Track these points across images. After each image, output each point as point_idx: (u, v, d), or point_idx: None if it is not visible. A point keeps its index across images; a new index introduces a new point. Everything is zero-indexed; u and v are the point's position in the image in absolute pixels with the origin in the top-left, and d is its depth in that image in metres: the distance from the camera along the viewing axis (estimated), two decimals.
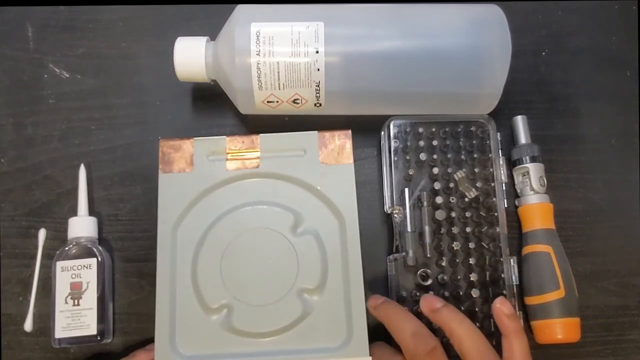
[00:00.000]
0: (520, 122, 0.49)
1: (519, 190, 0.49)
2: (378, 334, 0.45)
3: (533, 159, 0.48)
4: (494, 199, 0.47)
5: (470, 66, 0.44)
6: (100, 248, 0.46)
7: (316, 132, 0.48)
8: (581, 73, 0.53)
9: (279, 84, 0.44)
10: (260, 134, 0.48)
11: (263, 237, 0.45)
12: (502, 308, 0.39)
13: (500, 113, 0.48)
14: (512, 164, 0.49)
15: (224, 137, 0.48)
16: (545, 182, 0.48)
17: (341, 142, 0.47)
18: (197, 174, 0.47)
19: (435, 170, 0.47)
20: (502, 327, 0.39)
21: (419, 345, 0.38)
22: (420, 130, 0.48)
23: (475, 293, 0.45)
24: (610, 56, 0.53)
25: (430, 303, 0.40)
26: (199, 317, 0.44)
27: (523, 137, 0.49)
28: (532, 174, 0.47)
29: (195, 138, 0.48)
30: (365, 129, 0.49)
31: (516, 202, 0.49)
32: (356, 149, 0.50)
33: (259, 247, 0.45)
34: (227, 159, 0.47)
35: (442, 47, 0.44)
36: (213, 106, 0.51)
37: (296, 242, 0.45)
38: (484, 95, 0.46)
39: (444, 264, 0.46)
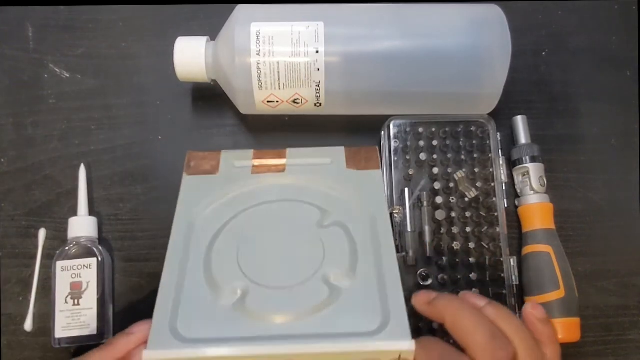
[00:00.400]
0: (520, 122, 0.49)
1: (519, 190, 0.49)
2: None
3: (533, 159, 0.48)
4: (494, 199, 0.47)
5: (470, 66, 0.44)
6: (100, 248, 0.46)
7: (343, 147, 0.47)
8: (581, 73, 0.53)
9: (279, 83, 0.44)
10: (288, 148, 0.48)
11: (287, 227, 0.42)
12: (534, 313, 0.37)
13: (500, 113, 0.48)
14: (512, 164, 0.49)
15: (251, 150, 0.48)
16: (545, 182, 0.48)
17: (368, 155, 0.47)
18: (223, 175, 0.46)
19: (435, 170, 0.47)
20: (536, 333, 0.37)
21: (499, 351, 0.33)
22: (420, 130, 0.48)
23: (475, 293, 0.45)
24: (610, 56, 0.53)
25: (473, 302, 0.37)
26: (208, 298, 0.38)
27: (523, 137, 0.49)
28: (532, 174, 0.47)
29: (223, 150, 0.48)
30: (365, 129, 0.49)
31: (516, 202, 0.49)
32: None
33: (282, 236, 0.41)
34: (253, 165, 0.47)
35: (442, 47, 0.44)
36: (213, 106, 0.51)
37: (323, 233, 0.41)
38: (484, 95, 0.46)
39: (444, 263, 0.46)
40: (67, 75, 0.52)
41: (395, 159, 0.48)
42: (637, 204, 0.50)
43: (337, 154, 0.47)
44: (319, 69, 0.44)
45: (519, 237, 0.48)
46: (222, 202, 0.44)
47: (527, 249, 0.47)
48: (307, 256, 0.39)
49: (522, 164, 0.48)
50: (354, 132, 0.49)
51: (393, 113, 0.48)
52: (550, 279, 0.45)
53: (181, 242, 0.41)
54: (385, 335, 0.34)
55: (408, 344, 0.33)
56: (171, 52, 0.46)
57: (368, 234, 0.41)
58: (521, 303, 0.46)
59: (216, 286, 0.38)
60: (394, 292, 0.37)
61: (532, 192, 0.47)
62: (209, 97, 0.51)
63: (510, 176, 0.49)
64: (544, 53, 0.53)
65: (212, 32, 0.47)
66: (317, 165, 0.46)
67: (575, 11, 0.54)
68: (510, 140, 0.50)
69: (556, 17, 0.54)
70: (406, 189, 0.47)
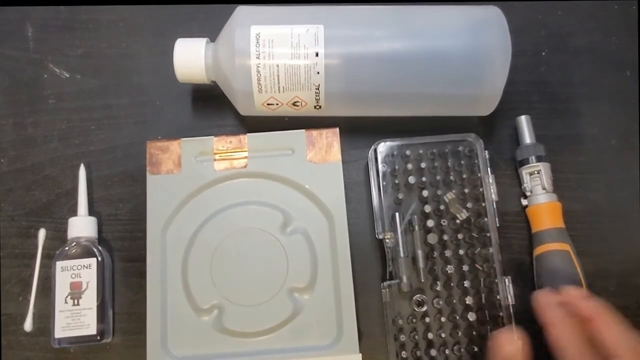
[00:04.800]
0: (524, 122, 0.49)
1: (527, 191, 0.48)
2: (369, 332, 0.45)
3: (539, 159, 0.48)
4: (486, 219, 0.46)
5: (470, 68, 0.44)
6: (100, 248, 0.46)
7: (303, 130, 0.48)
8: (581, 73, 0.53)
9: (279, 87, 0.44)
10: (248, 134, 0.48)
11: (252, 237, 0.46)
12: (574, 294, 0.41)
13: (500, 113, 0.48)
14: (518, 163, 0.49)
15: (212, 137, 0.48)
16: (552, 181, 0.48)
17: (329, 141, 0.47)
18: (185, 175, 0.47)
19: (425, 192, 0.46)
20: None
21: None
22: (408, 152, 0.47)
23: (471, 317, 0.44)
24: (610, 56, 0.53)
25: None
26: (190, 318, 0.44)
27: (528, 136, 0.49)
28: (544, 172, 0.47)
29: (182, 139, 0.48)
30: (364, 130, 0.49)
31: (524, 203, 0.48)
32: (356, 148, 0.50)
33: (248, 247, 0.45)
34: (214, 160, 0.47)
35: (442, 49, 0.44)
36: (213, 106, 0.51)
37: (286, 242, 0.45)
38: (483, 97, 0.46)
39: (438, 288, 0.45)
40: (67, 75, 0.52)
41: (384, 183, 0.47)
42: (637, 204, 0.50)
43: (298, 140, 0.47)
44: (318, 72, 0.44)
45: (528, 238, 0.48)
46: (188, 208, 0.46)
47: (542, 248, 0.46)
48: (273, 269, 0.45)
49: (529, 163, 0.47)
50: (355, 131, 0.49)
51: (393, 114, 0.48)
52: (572, 277, 0.44)
53: (158, 259, 0.45)
54: (338, 349, 0.43)
55: (356, 358, 0.43)
56: (171, 52, 0.46)
57: (327, 239, 0.46)
58: (517, 323, 0.45)
59: (196, 305, 0.45)
60: (347, 304, 0.44)
61: (544, 191, 0.47)
62: (209, 97, 0.51)
63: (500, 194, 0.48)
64: (544, 53, 0.53)
65: (212, 32, 0.47)
66: (278, 157, 0.47)
67: (575, 11, 0.54)
68: (508, 141, 0.50)
69: (556, 17, 0.54)
70: (397, 214, 0.46)
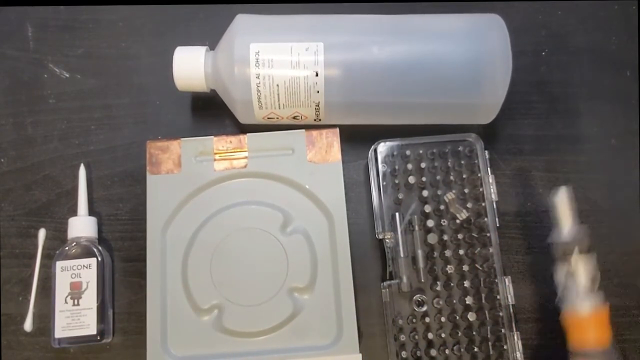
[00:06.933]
0: (564, 197, 0.42)
1: (563, 290, 0.41)
2: (369, 332, 0.45)
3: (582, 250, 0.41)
4: (486, 219, 0.46)
5: (471, 78, 0.44)
6: (100, 248, 0.46)
7: (303, 130, 0.48)
8: (581, 73, 0.53)
9: (279, 104, 0.44)
10: (248, 134, 0.48)
11: (253, 237, 0.46)
12: None
13: (500, 114, 0.48)
14: (555, 251, 0.43)
15: (212, 137, 0.48)
16: (599, 278, 0.41)
17: (329, 141, 0.47)
18: (185, 175, 0.47)
19: (425, 192, 0.46)
20: None
21: None
22: (408, 152, 0.47)
23: (471, 317, 0.44)
24: (610, 56, 0.53)
25: None
26: (190, 317, 0.44)
27: (567, 220, 0.42)
28: (582, 270, 0.41)
29: (182, 139, 0.48)
30: (364, 133, 0.49)
31: (561, 306, 0.42)
32: (356, 148, 0.50)
33: (248, 247, 0.46)
34: (215, 160, 0.47)
35: (442, 59, 0.44)
36: (213, 106, 0.51)
37: (286, 242, 0.45)
38: (484, 106, 0.46)
39: (438, 288, 0.45)
40: (67, 75, 0.52)
41: (384, 183, 0.47)
42: (637, 204, 0.50)
43: (298, 139, 0.47)
44: (318, 91, 0.44)
45: (528, 238, 0.48)
46: (188, 208, 0.47)
47: None
48: (273, 269, 0.45)
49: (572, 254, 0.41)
50: (354, 132, 0.49)
51: (394, 123, 0.48)
52: None
53: (158, 259, 0.45)
54: (338, 348, 0.43)
55: (356, 357, 0.43)
56: (171, 52, 0.46)
57: (327, 239, 0.46)
58: (518, 324, 0.46)
59: (195, 305, 0.44)
60: (347, 304, 0.44)
61: (581, 296, 0.40)
62: (210, 97, 0.51)
63: (500, 194, 0.48)
64: (544, 53, 0.53)
65: (211, 32, 0.47)
66: (278, 157, 0.47)
67: (575, 11, 0.54)
68: (507, 142, 0.50)
69: (556, 17, 0.54)
70: (397, 214, 0.46)
